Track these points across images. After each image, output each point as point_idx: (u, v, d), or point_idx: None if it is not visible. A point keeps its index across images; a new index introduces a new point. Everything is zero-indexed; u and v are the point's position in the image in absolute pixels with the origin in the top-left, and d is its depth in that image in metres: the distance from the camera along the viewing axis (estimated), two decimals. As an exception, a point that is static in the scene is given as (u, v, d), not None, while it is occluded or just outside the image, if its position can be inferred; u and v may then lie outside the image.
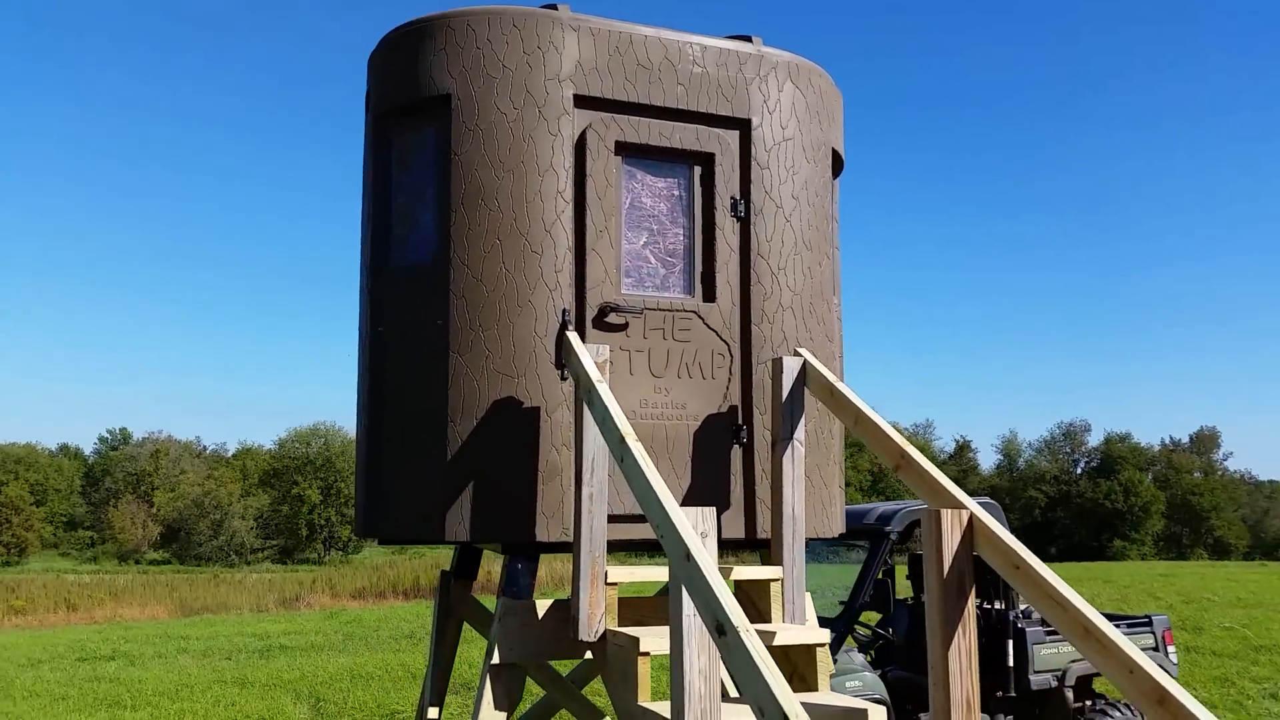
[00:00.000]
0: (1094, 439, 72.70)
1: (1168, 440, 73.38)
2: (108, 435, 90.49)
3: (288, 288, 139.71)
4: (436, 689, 5.75)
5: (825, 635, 4.39)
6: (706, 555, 3.19)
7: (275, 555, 69.65)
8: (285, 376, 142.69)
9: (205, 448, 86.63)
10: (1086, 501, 66.08)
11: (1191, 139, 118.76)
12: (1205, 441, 72.53)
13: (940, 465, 66.72)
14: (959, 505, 3.83)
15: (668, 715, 3.83)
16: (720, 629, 2.94)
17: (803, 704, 2.75)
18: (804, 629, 4.38)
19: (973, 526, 3.74)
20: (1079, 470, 71.10)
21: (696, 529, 3.38)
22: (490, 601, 6.33)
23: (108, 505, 73.74)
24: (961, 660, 3.70)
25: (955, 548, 3.70)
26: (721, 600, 2.96)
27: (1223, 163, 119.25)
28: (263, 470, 75.52)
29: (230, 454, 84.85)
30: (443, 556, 33.97)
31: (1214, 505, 64.82)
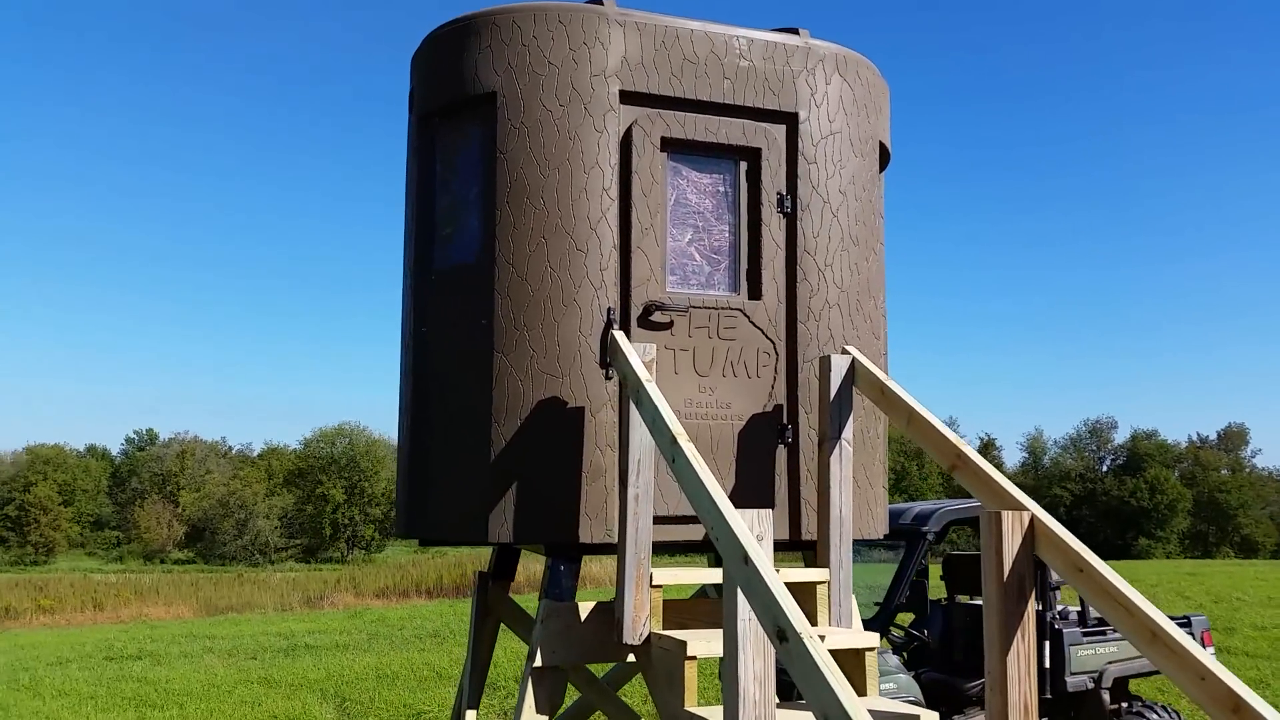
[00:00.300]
0: (1120, 436, 72.20)
1: (1195, 437, 72.74)
2: (135, 436, 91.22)
3: (317, 289, 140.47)
4: (474, 691, 5.70)
5: (875, 640, 4.31)
6: (765, 558, 3.12)
7: (299, 554, 69.93)
8: (313, 376, 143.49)
9: (231, 448, 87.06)
10: (1112, 499, 65.50)
11: (1215, 133, 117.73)
12: (1234, 438, 71.78)
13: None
14: (1020, 506, 3.75)
15: (718, 720, 3.76)
16: (782, 635, 2.87)
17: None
18: (855, 633, 4.30)
19: (1034, 528, 3.65)
20: (1105, 468, 70.52)
21: (753, 531, 3.32)
22: (524, 601, 6.29)
23: (134, 505, 74.22)
24: (1020, 665, 3.61)
25: (1016, 550, 3.61)
26: (783, 605, 2.89)
27: (1252, 156, 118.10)
28: (287, 470, 75.84)
29: (256, 454, 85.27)
30: (466, 555, 33.97)
31: (1241, 503, 64.12)
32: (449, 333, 4.71)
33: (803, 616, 2.86)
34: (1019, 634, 3.60)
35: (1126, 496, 64.51)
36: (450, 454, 4.66)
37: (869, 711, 2.97)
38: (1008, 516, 3.63)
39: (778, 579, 3.00)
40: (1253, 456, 72.45)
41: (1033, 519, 3.68)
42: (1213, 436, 72.59)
